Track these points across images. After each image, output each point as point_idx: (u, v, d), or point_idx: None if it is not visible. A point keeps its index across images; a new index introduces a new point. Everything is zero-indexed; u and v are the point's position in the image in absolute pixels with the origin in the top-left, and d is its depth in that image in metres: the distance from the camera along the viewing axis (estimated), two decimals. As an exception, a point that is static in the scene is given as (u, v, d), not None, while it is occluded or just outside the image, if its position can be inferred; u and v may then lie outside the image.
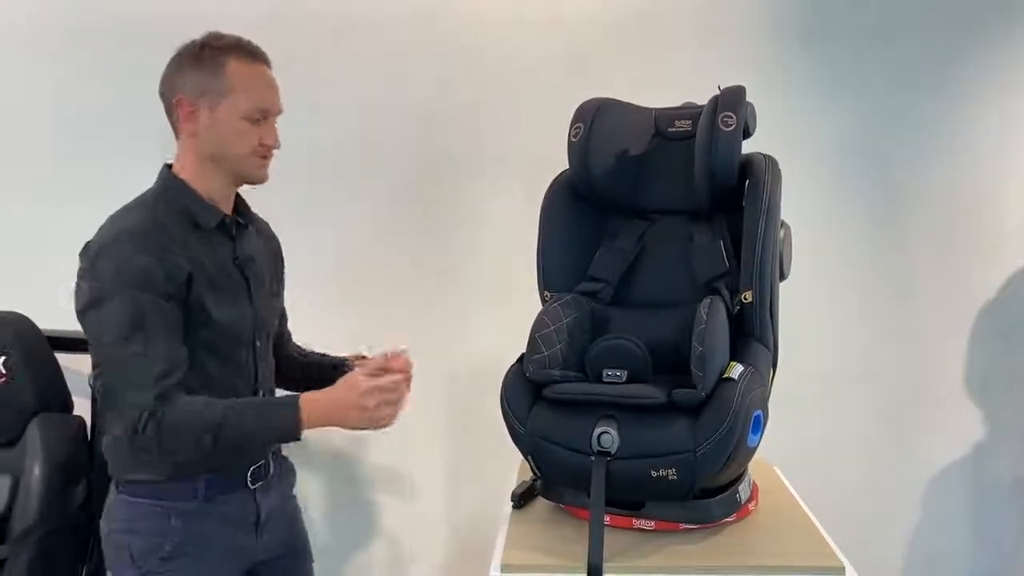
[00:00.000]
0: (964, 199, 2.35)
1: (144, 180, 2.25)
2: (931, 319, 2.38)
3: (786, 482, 1.68)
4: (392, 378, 1.39)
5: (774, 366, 1.50)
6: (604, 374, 1.39)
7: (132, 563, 1.42)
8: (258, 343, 1.50)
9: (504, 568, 1.31)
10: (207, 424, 1.32)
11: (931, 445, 2.40)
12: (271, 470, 1.53)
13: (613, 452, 1.32)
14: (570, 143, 1.59)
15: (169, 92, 1.43)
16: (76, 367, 2.03)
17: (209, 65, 1.40)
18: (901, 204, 2.36)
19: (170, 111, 1.44)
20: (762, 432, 1.39)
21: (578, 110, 1.62)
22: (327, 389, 1.40)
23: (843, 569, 1.29)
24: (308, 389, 1.46)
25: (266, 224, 1.63)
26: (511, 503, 1.53)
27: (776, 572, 1.29)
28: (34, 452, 1.85)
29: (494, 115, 2.31)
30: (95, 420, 1.98)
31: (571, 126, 1.60)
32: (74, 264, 2.25)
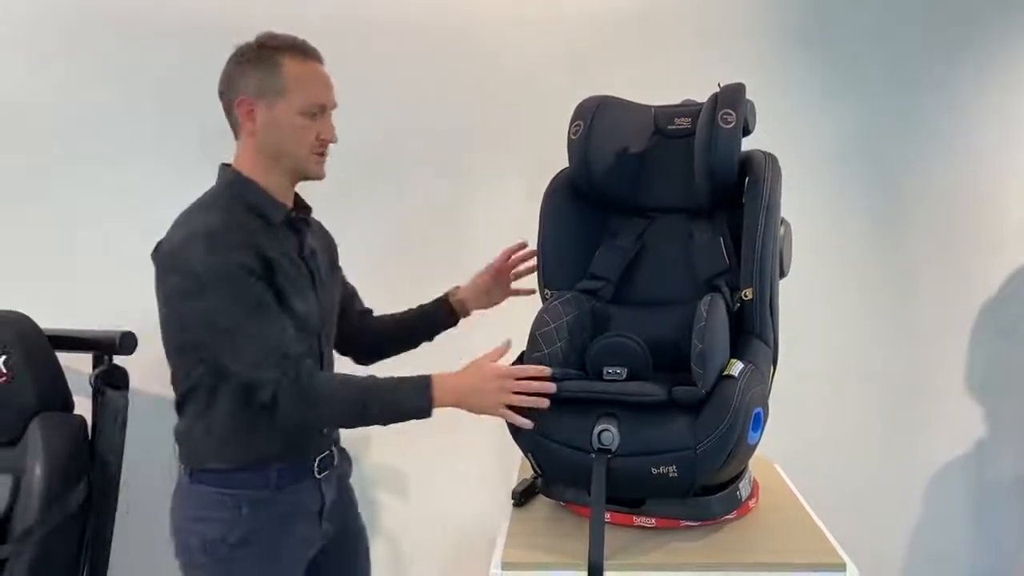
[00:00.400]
0: (964, 198, 2.36)
1: (142, 180, 2.29)
2: (932, 317, 2.38)
3: (787, 480, 1.68)
4: (521, 369, 1.41)
5: (774, 363, 1.50)
6: (604, 372, 1.39)
7: (202, 551, 1.45)
8: (322, 333, 1.53)
9: (505, 566, 1.32)
10: (351, 396, 1.38)
11: (932, 443, 2.40)
12: (335, 460, 1.57)
13: (613, 449, 1.31)
14: (570, 141, 1.59)
15: (229, 92, 1.46)
16: (77, 366, 2.03)
17: (266, 65, 1.43)
18: (902, 203, 2.36)
19: (229, 111, 1.47)
20: (762, 429, 1.39)
21: (578, 108, 1.62)
22: (456, 372, 1.43)
23: (844, 566, 1.28)
24: (418, 343, 1.66)
25: (318, 221, 1.66)
26: (512, 501, 1.53)
27: (777, 569, 1.29)
28: (35, 452, 1.85)
29: (495, 113, 2.31)
30: (96, 419, 1.98)
31: (571, 124, 1.60)
32: (72, 264, 2.30)
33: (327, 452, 1.54)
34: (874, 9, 2.32)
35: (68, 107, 2.29)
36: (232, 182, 1.47)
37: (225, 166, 1.50)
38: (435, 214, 2.34)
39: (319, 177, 1.50)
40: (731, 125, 1.47)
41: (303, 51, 1.46)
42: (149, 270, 2.17)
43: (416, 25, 2.28)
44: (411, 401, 1.39)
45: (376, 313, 1.78)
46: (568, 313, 1.50)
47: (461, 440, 2.34)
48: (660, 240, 1.61)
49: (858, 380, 2.38)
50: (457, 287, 1.69)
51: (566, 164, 1.62)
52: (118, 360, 2.02)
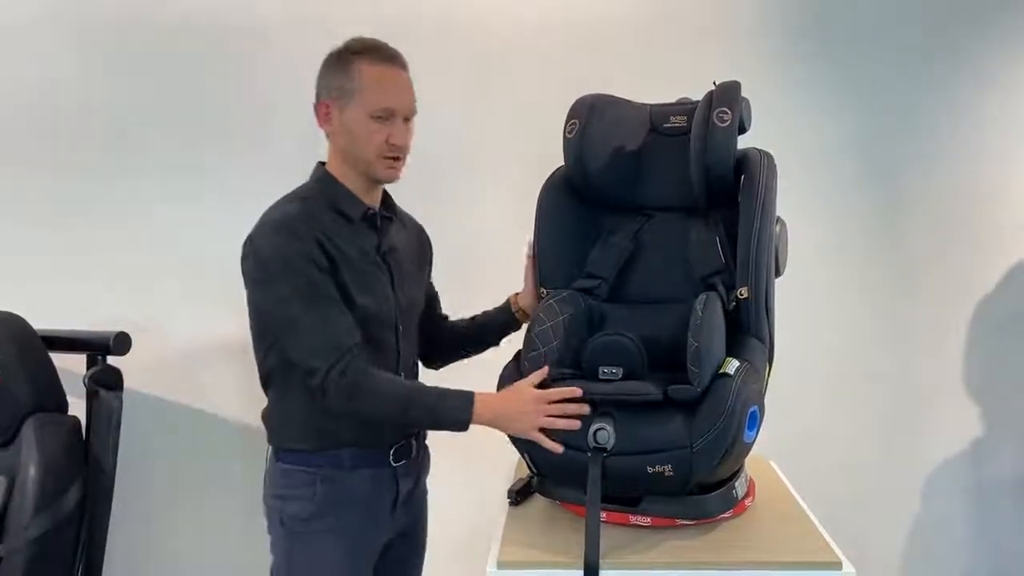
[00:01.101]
0: (964, 197, 2.35)
1: (138, 181, 2.28)
2: (931, 316, 2.37)
3: (784, 478, 1.68)
4: (557, 392, 1.40)
5: (770, 362, 1.49)
6: (600, 371, 1.39)
7: (282, 526, 1.51)
8: (401, 327, 1.56)
9: (501, 565, 1.31)
10: (395, 395, 1.43)
11: (931, 442, 2.40)
12: (414, 452, 1.60)
13: (609, 448, 1.31)
14: (565, 139, 1.59)
15: (316, 95, 1.52)
16: (71, 367, 2.03)
17: (342, 67, 1.48)
18: (901, 202, 2.36)
19: (316, 114, 1.53)
20: (758, 428, 1.38)
21: (573, 106, 1.62)
22: (498, 393, 1.47)
23: (840, 564, 1.28)
24: (487, 347, 1.73)
25: (417, 224, 1.73)
26: (508, 500, 1.52)
27: (773, 568, 1.29)
28: (29, 452, 1.84)
29: (490, 112, 2.31)
30: (90, 420, 1.97)
31: (566, 122, 1.60)
32: (69, 264, 2.29)
33: (403, 442, 1.56)
34: (874, 8, 2.32)
35: (64, 107, 2.29)
36: (320, 179, 1.54)
37: (320, 164, 1.56)
38: (430, 213, 2.33)
39: (389, 181, 1.54)
40: (726, 123, 1.46)
41: (379, 54, 1.50)
42: (144, 270, 2.19)
43: (412, 23, 2.27)
44: (452, 413, 1.42)
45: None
46: (564, 312, 1.50)
47: (457, 439, 2.33)
48: (656, 238, 1.61)
49: (856, 379, 2.38)
50: (516, 294, 1.72)
51: (562, 163, 1.62)
52: (112, 361, 2.01)
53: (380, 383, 1.42)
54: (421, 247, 1.71)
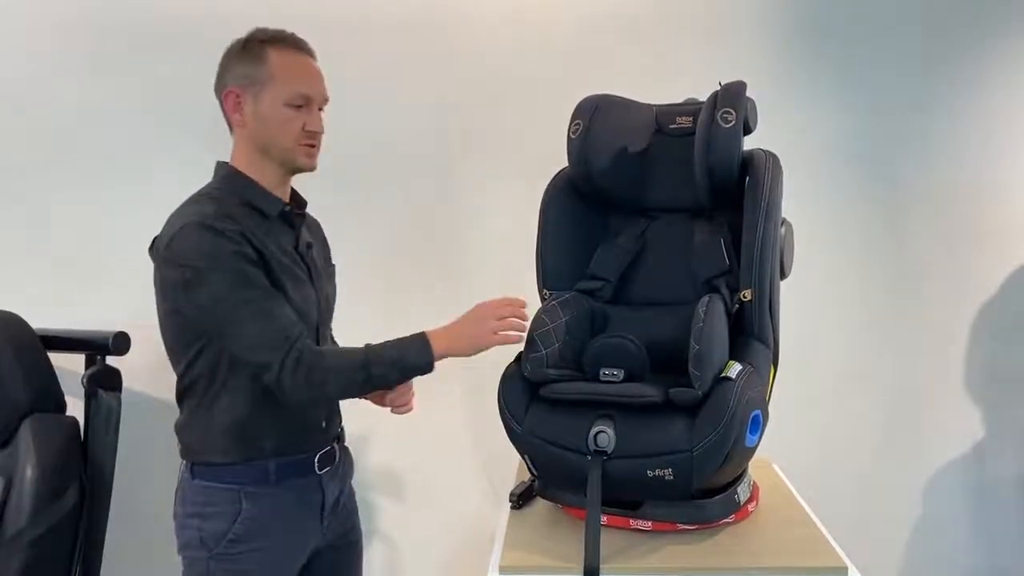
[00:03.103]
0: (967, 198, 2.34)
1: (137, 180, 2.28)
2: (933, 319, 2.36)
3: (787, 482, 1.67)
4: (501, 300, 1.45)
5: (775, 365, 1.48)
6: (601, 373, 1.38)
7: (202, 546, 1.45)
8: (321, 328, 1.54)
9: (502, 569, 1.30)
10: (352, 364, 1.39)
11: (933, 444, 2.39)
12: (337, 458, 1.57)
13: (609, 452, 1.30)
14: (569, 140, 1.58)
15: (219, 86, 1.49)
16: (69, 367, 2.02)
17: (253, 56, 1.45)
18: (904, 203, 2.35)
19: (221, 105, 1.49)
20: (761, 432, 1.37)
21: (577, 107, 1.61)
22: (447, 324, 1.46)
23: (846, 569, 1.27)
24: None
25: (313, 218, 1.67)
26: (510, 503, 1.51)
27: (777, 573, 1.28)
28: (27, 453, 1.83)
29: (494, 112, 2.30)
30: (88, 421, 1.96)
31: (570, 123, 1.59)
32: (65, 264, 2.28)
33: (328, 448, 1.54)
34: (877, 9, 2.31)
35: (62, 107, 2.28)
36: (227, 177, 1.49)
37: (221, 164, 1.51)
38: (434, 214, 2.33)
39: (310, 169, 1.51)
40: (731, 124, 1.45)
41: (290, 43, 1.48)
42: (142, 270, 2.16)
43: (413, 24, 2.27)
44: (415, 358, 1.41)
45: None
46: (566, 314, 1.49)
47: (459, 442, 2.33)
48: (660, 240, 1.60)
49: (860, 381, 2.36)
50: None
51: (566, 163, 1.61)
52: (111, 361, 2.00)
53: (333, 358, 1.40)
54: (322, 243, 1.67)
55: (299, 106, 1.45)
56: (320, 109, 1.50)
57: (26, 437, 1.84)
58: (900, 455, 2.38)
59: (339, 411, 1.63)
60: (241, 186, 1.47)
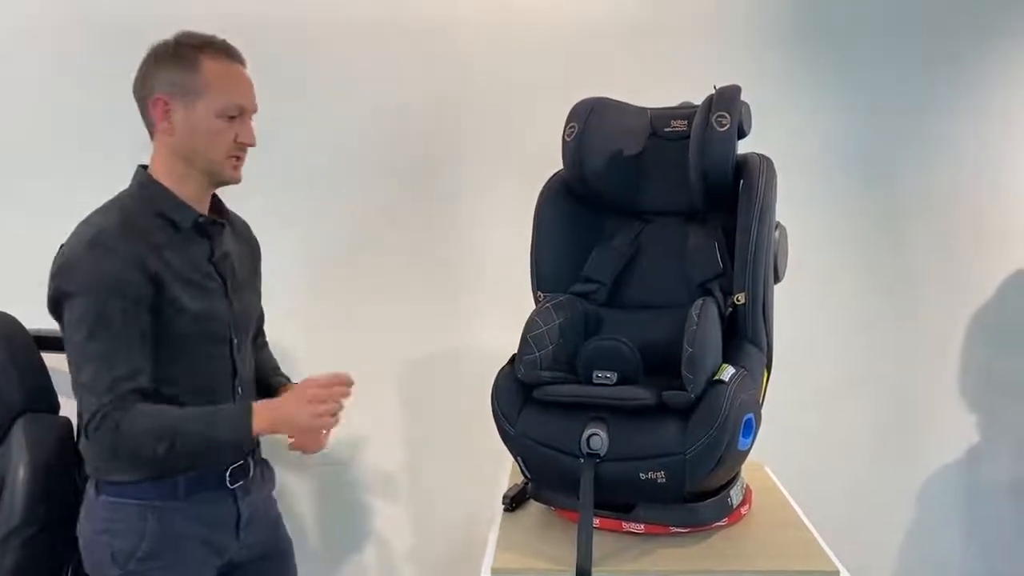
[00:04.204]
0: (963, 202, 2.34)
1: (128, 180, 2.27)
2: (928, 322, 2.36)
3: (780, 486, 1.67)
4: (334, 389, 1.40)
5: (768, 368, 1.48)
6: (594, 376, 1.38)
7: (112, 563, 1.42)
8: (235, 340, 1.49)
9: (495, 571, 1.31)
10: (160, 431, 1.32)
11: (927, 448, 2.39)
12: (251, 471, 1.53)
13: (602, 454, 1.30)
14: (564, 143, 1.58)
15: (143, 91, 1.43)
16: (63, 368, 2.01)
17: (185, 63, 1.39)
18: (900, 206, 2.35)
19: (144, 111, 1.43)
20: (755, 435, 1.37)
21: (573, 110, 1.61)
22: (279, 398, 1.45)
23: (838, 573, 1.27)
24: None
25: (244, 224, 1.63)
26: (503, 506, 1.51)
27: (771, 575, 1.28)
28: (19, 453, 1.82)
29: (489, 114, 2.30)
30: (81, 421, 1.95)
31: (565, 125, 1.59)
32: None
33: (240, 463, 1.49)
34: (874, 11, 2.31)
35: (59, 107, 2.28)
36: (142, 184, 1.44)
37: (140, 169, 1.47)
38: (430, 216, 2.33)
39: (234, 181, 1.46)
40: (725, 128, 1.46)
41: (223, 51, 1.43)
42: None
43: (408, 25, 2.27)
44: (226, 433, 1.36)
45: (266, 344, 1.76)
46: (560, 316, 1.49)
47: (453, 444, 2.33)
48: (655, 243, 1.60)
49: (854, 385, 2.36)
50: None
51: (561, 166, 1.61)
52: (105, 361, 1.99)
53: (141, 421, 1.31)
54: (252, 251, 1.62)
55: (232, 117, 1.41)
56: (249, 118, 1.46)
57: (19, 437, 1.83)
58: (894, 459, 2.38)
59: None
60: (156, 195, 1.42)
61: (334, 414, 1.39)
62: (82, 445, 1.47)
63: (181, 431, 1.33)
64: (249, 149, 1.47)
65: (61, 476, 1.88)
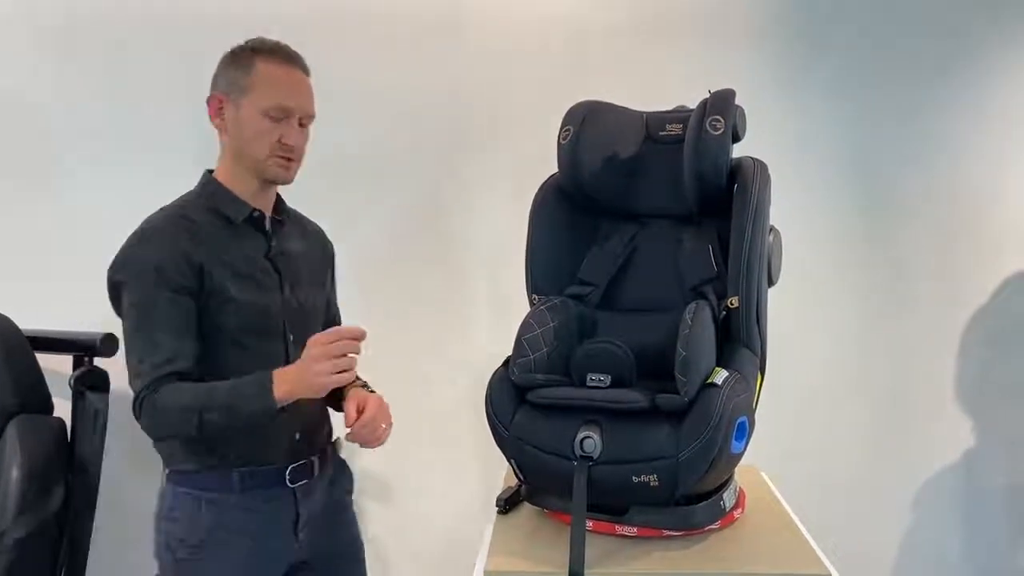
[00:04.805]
0: (960, 205, 2.35)
1: (126, 181, 2.27)
2: (924, 326, 2.37)
3: (774, 489, 1.67)
4: (341, 342, 1.37)
5: (762, 372, 1.48)
6: (588, 378, 1.38)
7: (167, 549, 1.47)
8: (291, 335, 1.51)
9: (488, 574, 1.30)
10: (189, 406, 1.36)
11: (922, 452, 2.39)
12: (315, 472, 1.54)
13: (595, 457, 1.30)
14: (559, 146, 1.59)
15: (210, 92, 1.50)
16: (57, 368, 2.01)
17: (240, 63, 1.46)
18: (896, 210, 2.36)
19: (208, 110, 1.50)
20: (747, 438, 1.37)
21: (568, 113, 1.61)
22: (297, 362, 1.40)
23: (829, 576, 1.27)
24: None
25: (317, 228, 1.69)
26: (496, 508, 1.51)
27: (760, 579, 1.28)
28: (12, 454, 1.82)
29: (484, 116, 2.30)
30: (75, 422, 1.95)
31: (560, 129, 1.60)
32: (53, 264, 2.28)
33: (303, 462, 1.51)
34: (870, 13, 2.32)
35: (56, 108, 2.28)
36: (203, 183, 1.51)
37: (206, 171, 1.53)
38: (424, 217, 2.33)
39: (283, 181, 1.50)
40: (719, 132, 1.46)
41: (279, 54, 1.47)
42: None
43: (404, 24, 2.27)
44: (251, 402, 1.36)
45: None
46: (554, 318, 1.49)
47: (446, 447, 2.33)
48: (650, 246, 1.60)
49: (848, 389, 2.37)
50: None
51: (555, 168, 1.61)
52: (99, 362, 2.00)
53: (173, 398, 1.36)
54: (322, 254, 1.67)
55: (276, 117, 1.44)
56: (303, 124, 1.49)
57: (12, 438, 1.83)
58: (888, 463, 2.39)
59: (327, 425, 1.62)
60: (213, 192, 1.49)
61: (345, 369, 1.36)
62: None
63: (207, 404, 1.36)
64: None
65: (54, 478, 1.88)
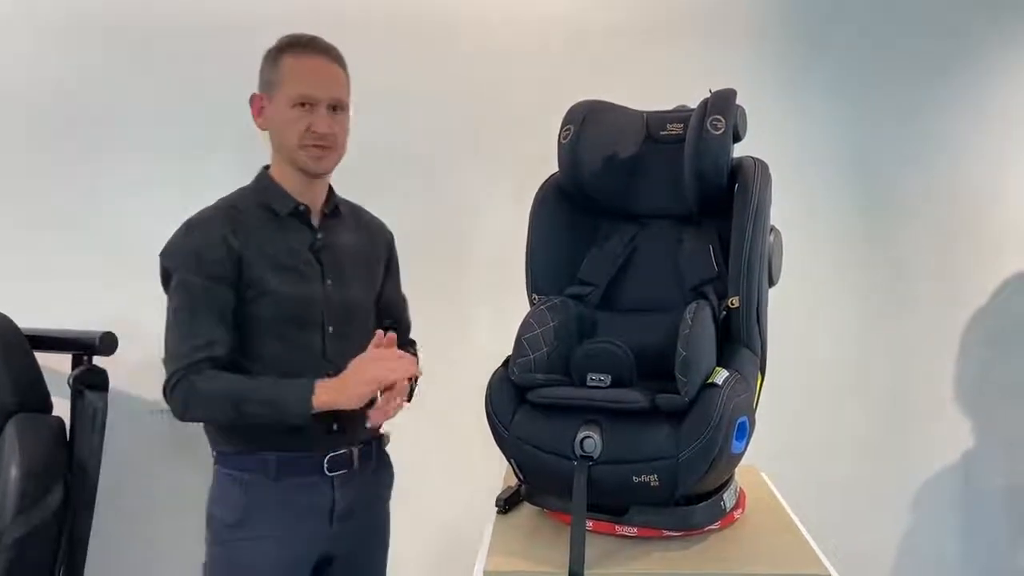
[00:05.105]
0: (960, 206, 2.36)
1: (125, 181, 2.27)
2: (923, 326, 2.38)
3: (775, 490, 1.67)
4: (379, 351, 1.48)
5: (762, 372, 1.48)
6: (588, 378, 1.37)
7: (208, 528, 1.54)
8: (330, 327, 1.55)
9: (487, 574, 1.29)
10: (228, 395, 1.42)
11: (922, 453, 2.40)
12: (356, 462, 1.58)
13: (595, 457, 1.30)
14: (560, 145, 1.58)
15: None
16: (56, 367, 2.01)
17: (271, 60, 1.54)
18: (894, 209, 2.36)
19: (251, 108, 1.58)
20: (748, 439, 1.37)
21: (568, 112, 1.61)
22: (339, 376, 1.47)
23: (829, 577, 1.27)
24: None
25: (378, 223, 1.76)
26: (496, 508, 1.51)
27: (760, 580, 1.28)
28: (11, 453, 1.82)
29: (484, 115, 2.30)
30: (74, 421, 1.95)
31: (561, 128, 1.59)
32: (55, 263, 2.28)
33: (343, 451, 1.55)
34: (871, 13, 2.32)
35: (48, 107, 2.28)
36: (258, 178, 1.59)
37: (264, 167, 1.61)
38: (424, 217, 2.33)
39: (315, 171, 1.55)
40: (720, 131, 1.45)
41: (304, 46, 1.53)
42: (130, 270, 2.18)
43: (404, 25, 2.27)
44: (291, 404, 1.41)
45: None
46: (554, 318, 1.49)
47: (446, 446, 2.33)
48: (650, 246, 1.60)
49: (848, 389, 2.37)
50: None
51: (556, 168, 1.61)
52: (98, 361, 1.99)
53: (212, 384, 1.42)
54: (374, 249, 1.71)
55: (302, 105, 1.49)
56: (335, 110, 1.53)
57: (11, 437, 1.83)
58: (888, 463, 2.39)
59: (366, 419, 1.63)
60: (262, 187, 1.56)
61: (391, 372, 1.44)
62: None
63: (247, 398, 1.41)
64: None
65: (53, 477, 1.88)
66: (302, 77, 1.50)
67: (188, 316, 1.44)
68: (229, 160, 2.25)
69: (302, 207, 1.55)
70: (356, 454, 1.58)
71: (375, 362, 1.45)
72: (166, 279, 1.50)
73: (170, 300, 1.48)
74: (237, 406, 1.41)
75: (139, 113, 2.28)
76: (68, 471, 1.92)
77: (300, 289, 1.51)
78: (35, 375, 1.94)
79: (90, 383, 1.96)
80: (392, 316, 1.77)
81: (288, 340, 1.50)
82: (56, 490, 1.87)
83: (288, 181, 1.55)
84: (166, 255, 1.49)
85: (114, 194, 2.28)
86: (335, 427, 1.54)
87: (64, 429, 1.95)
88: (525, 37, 2.29)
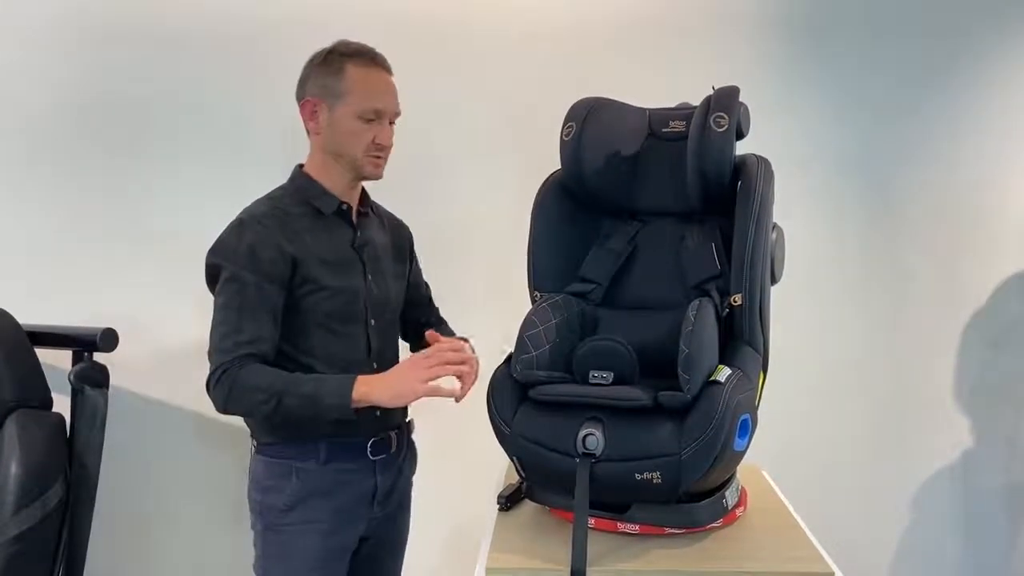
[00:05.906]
0: (961, 206, 2.36)
1: (126, 179, 2.27)
2: (923, 325, 2.38)
3: (776, 488, 1.67)
4: (437, 346, 1.51)
5: (764, 370, 1.48)
6: (591, 375, 1.38)
7: (259, 517, 1.57)
8: (373, 321, 1.61)
9: (489, 571, 1.30)
10: (269, 388, 1.43)
11: (922, 451, 2.40)
12: (394, 447, 1.64)
13: (598, 454, 1.30)
14: (562, 142, 1.58)
15: (299, 94, 1.59)
16: (57, 363, 2.01)
17: (332, 69, 1.54)
18: (896, 208, 2.36)
19: (301, 112, 1.59)
20: (750, 436, 1.37)
21: (571, 109, 1.61)
22: (383, 373, 1.49)
23: (832, 575, 1.27)
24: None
25: (399, 221, 1.80)
26: (498, 505, 1.51)
27: (762, 577, 1.28)
28: (11, 449, 1.82)
29: (486, 113, 2.30)
30: (74, 417, 1.95)
31: (563, 125, 1.59)
32: (56, 259, 2.27)
33: (382, 436, 1.60)
34: (873, 13, 2.32)
35: (51, 105, 2.27)
36: (293, 178, 1.61)
37: (298, 166, 1.62)
38: (426, 214, 2.32)
39: (374, 177, 1.60)
40: (723, 128, 1.45)
41: (368, 58, 1.56)
42: (131, 266, 2.18)
43: (406, 24, 2.27)
44: (330, 398, 1.43)
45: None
46: (556, 316, 1.48)
47: (448, 443, 2.32)
48: (652, 243, 1.59)
49: (849, 387, 2.37)
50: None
51: (558, 165, 1.61)
52: (98, 357, 1.99)
53: (255, 377, 1.44)
54: (401, 244, 1.76)
55: (371, 119, 1.53)
56: (391, 123, 1.58)
57: (11, 433, 1.83)
58: (889, 462, 2.39)
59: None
60: (304, 187, 1.58)
61: (437, 376, 1.46)
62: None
63: (288, 391, 1.43)
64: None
65: (53, 473, 1.88)
66: (373, 92, 1.54)
67: (236, 312, 1.46)
68: (236, 161, 2.26)
69: (345, 206, 1.60)
70: (394, 438, 1.63)
71: (423, 370, 1.46)
72: (214, 276, 1.51)
73: (218, 296, 1.49)
74: (278, 400, 1.42)
75: (144, 111, 2.28)
76: (68, 468, 1.92)
77: (348, 285, 1.56)
78: (35, 371, 1.94)
79: (91, 379, 1.96)
80: (421, 296, 1.85)
81: (336, 333, 1.55)
82: (56, 487, 1.87)
83: (331, 181, 1.58)
84: (216, 252, 1.51)
85: (117, 192, 2.27)
86: (378, 412, 1.57)
87: (64, 425, 1.95)
88: (526, 37, 2.29)
